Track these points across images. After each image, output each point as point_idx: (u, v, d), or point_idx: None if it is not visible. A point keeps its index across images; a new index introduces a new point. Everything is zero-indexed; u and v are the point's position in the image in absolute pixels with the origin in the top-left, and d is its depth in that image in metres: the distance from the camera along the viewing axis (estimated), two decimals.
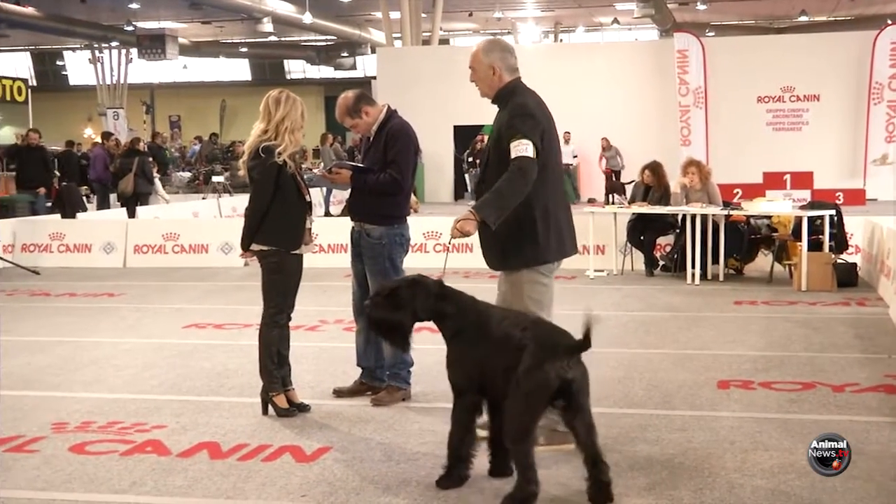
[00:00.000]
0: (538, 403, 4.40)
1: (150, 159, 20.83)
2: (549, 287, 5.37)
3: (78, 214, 17.83)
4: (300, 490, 4.81)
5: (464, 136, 28.29)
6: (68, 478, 5.05)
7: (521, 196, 5.03)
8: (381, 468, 5.12)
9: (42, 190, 18.66)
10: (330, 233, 13.86)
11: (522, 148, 5.05)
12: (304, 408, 6.24)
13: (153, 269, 14.34)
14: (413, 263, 6.80)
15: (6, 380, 7.27)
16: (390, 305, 4.75)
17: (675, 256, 12.72)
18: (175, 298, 11.37)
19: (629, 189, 16.55)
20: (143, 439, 5.67)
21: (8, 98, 23.33)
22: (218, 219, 19.48)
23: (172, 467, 5.18)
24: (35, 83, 45.70)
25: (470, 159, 29.64)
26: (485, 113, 23.06)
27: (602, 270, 12.87)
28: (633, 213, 12.85)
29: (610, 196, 24.26)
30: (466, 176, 28.87)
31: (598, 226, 13.03)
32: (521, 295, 5.28)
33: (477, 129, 29.86)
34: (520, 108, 5.21)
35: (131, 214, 18.13)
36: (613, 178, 25.31)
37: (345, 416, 6.14)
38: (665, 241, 13.14)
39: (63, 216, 17.51)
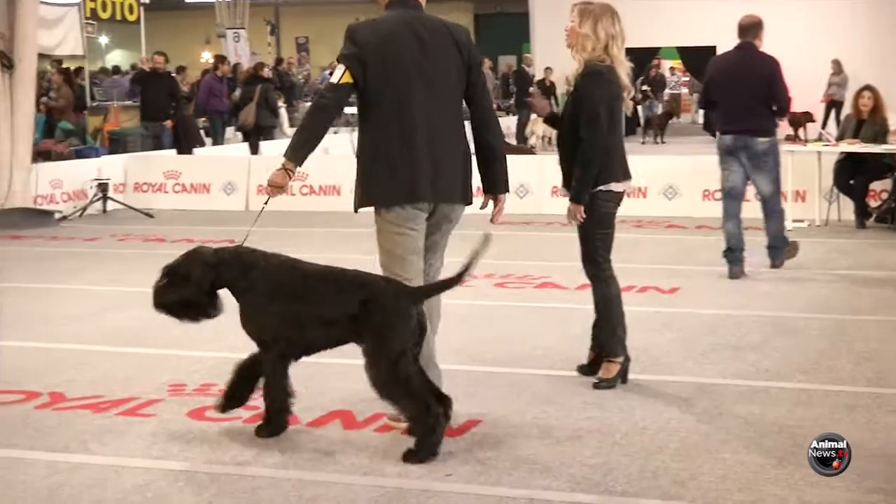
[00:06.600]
0: (407, 346, 5.00)
1: (275, 88, 21.11)
2: (405, 236, 5.40)
3: (195, 150, 18.25)
4: (445, 468, 4.87)
5: (637, 59, 27.84)
6: (186, 446, 5.24)
7: (321, 128, 5.40)
8: (538, 446, 5.15)
9: (169, 123, 18.79)
10: None
11: (334, 74, 5.34)
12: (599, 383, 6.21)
13: (279, 213, 14.49)
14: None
15: (116, 335, 7.57)
16: (173, 286, 5.29)
17: (894, 205, 12.32)
18: (303, 246, 11.59)
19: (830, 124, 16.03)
20: None
21: (118, 17, 23.71)
22: (351, 156, 19.73)
23: (301, 437, 5.32)
24: (148, 1, 46.89)
25: (644, 88, 29.22)
26: (661, 32, 22.78)
27: (802, 221, 12.55)
28: (842, 153, 12.47)
29: (797, 130, 23.38)
30: (640, 108, 28.49)
31: (798, 167, 12.70)
32: (378, 241, 5.52)
33: (653, 51, 29.46)
34: (348, 29, 5.39)
35: (254, 150, 18.48)
36: (833, 111, 24.35)
37: (496, 385, 6.19)
38: (881, 187, 12.74)
39: (179, 152, 17.98)
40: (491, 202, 5.69)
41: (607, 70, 6.03)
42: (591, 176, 6.01)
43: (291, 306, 5.18)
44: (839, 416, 5.55)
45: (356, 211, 5.59)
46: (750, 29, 9.52)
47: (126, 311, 8.34)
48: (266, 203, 5.59)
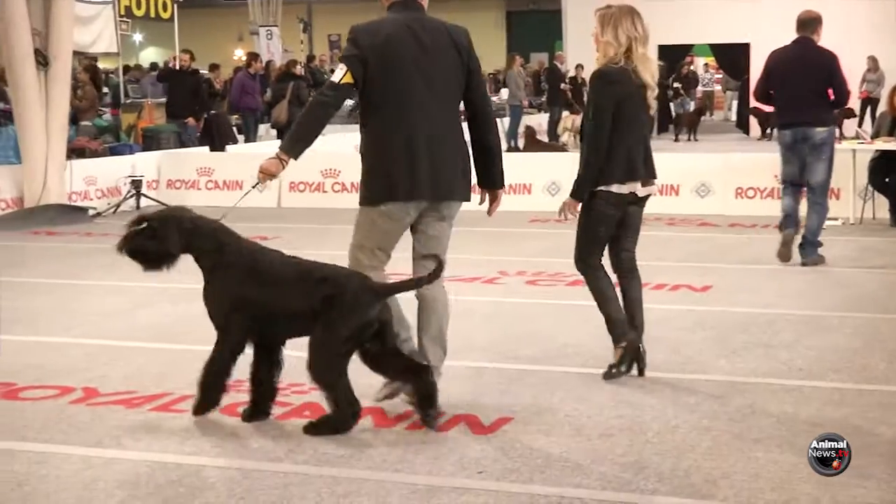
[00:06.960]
0: (357, 342, 5.20)
1: (307, 85, 21.17)
2: (384, 234, 5.63)
3: (228, 147, 18.33)
4: (477, 465, 4.87)
5: (669, 56, 27.76)
6: (219, 442, 5.25)
7: (319, 123, 5.55)
8: (570, 444, 5.14)
9: (191, 121, 19.03)
10: (513, 171, 13.86)
11: (335, 73, 5.53)
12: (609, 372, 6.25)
13: (310, 210, 14.66)
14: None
15: (149, 331, 7.60)
16: (145, 238, 5.38)
17: None
18: (334, 243, 11.57)
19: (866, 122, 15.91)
20: (300, 402, 5.84)
21: (152, 15, 23.78)
22: None
23: (332, 435, 5.32)
24: None
25: (676, 85, 29.12)
26: (694, 30, 22.66)
27: (836, 219, 12.42)
28: (877, 151, 12.37)
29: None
30: (672, 105, 28.41)
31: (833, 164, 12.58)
32: (354, 230, 5.70)
33: (685, 49, 29.36)
34: (351, 30, 5.56)
35: None
36: (869, 108, 24.17)
37: (527, 383, 6.18)
38: None
39: (212, 149, 18.07)
40: (488, 197, 5.87)
41: (617, 72, 6.02)
42: (591, 175, 6.04)
43: (257, 294, 5.30)
44: (872, 415, 5.51)
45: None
46: (808, 24, 9.60)
47: (159, 307, 8.39)
48: (253, 187, 5.92)
